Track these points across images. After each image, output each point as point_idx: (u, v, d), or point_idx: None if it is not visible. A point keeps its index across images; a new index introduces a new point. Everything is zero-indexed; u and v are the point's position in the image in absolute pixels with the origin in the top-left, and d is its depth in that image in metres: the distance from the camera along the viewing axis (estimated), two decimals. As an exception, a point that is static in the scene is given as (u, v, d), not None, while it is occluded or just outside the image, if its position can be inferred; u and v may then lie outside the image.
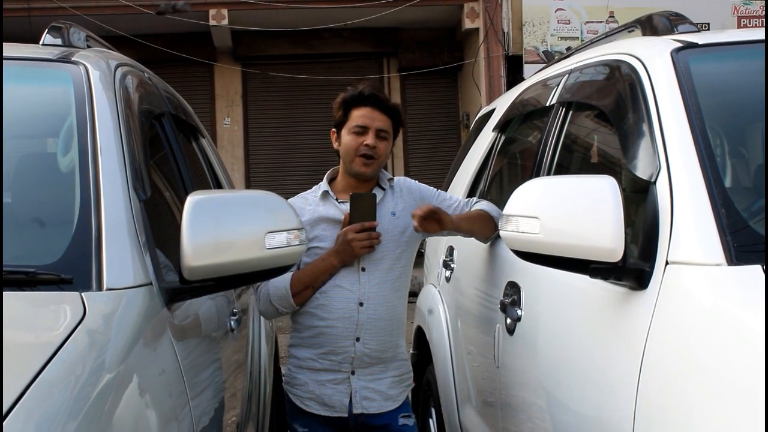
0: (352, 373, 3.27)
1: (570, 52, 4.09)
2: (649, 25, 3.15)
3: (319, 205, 3.33)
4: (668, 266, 2.14)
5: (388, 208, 3.35)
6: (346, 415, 3.26)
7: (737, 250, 2.03)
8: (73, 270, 1.94)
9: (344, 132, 3.32)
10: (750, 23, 14.68)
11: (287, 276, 3.12)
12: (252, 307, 3.93)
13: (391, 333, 3.34)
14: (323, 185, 3.40)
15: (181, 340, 2.20)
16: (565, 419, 2.53)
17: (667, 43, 2.73)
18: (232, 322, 3.16)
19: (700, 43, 2.74)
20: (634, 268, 2.20)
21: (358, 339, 3.23)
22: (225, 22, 14.23)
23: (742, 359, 1.78)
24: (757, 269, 1.95)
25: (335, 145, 3.41)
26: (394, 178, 3.53)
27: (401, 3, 14.19)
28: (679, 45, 2.69)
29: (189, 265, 2.08)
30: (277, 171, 15.70)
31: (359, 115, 3.28)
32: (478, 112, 5.88)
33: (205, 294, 2.34)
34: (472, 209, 3.48)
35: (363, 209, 3.17)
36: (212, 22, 14.19)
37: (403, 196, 3.43)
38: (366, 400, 3.27)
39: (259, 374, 3.95)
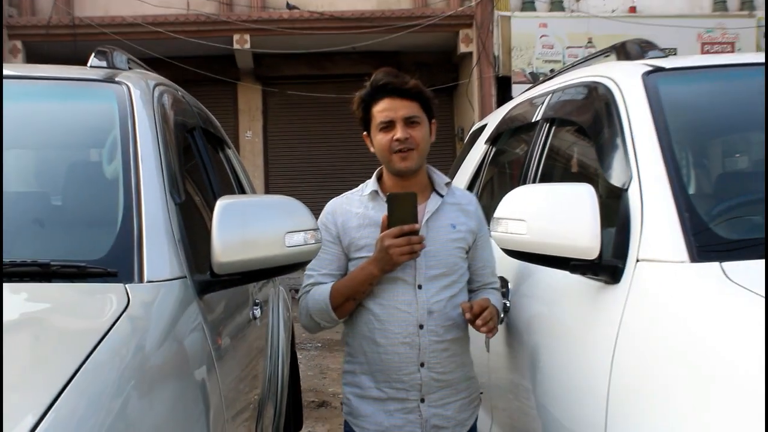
0: (422, 400, 2.63)
1: (553, 74, 4.10)
2: (622, 51, 3.15)
3: (368, 207, 2.68)
4: (638, 263, 2.15)
5: (447, 219, 2.69)
6: None
7: (698, 250, 2.05)
8: (118, 264, 1.95)
9: (373, 132, 2.67)
10: (712, 48, 14.67)
11: (326, 287, 2.63)
12: (272, 297, 3.94)
13: (456, 353, 2.69)
14: (372, 183, 2.73)
15: (211, 326, 2.20)
16: (548, 398, 2.53)
17: (639, 67, 2.73)
18: (255, 312, 3.14)
19: (667, 67, 2.73)
20: (608, 264, 2.21)
21: (422, 364, 2.61)
22: (247, 46, 14.26)
23: (703, 343, 1.80)
24: (715, 266, 1.95)
25: (371, 149, 2.73)
26: (459, 190, 2.90)
27: (403, 30, 14.22)
28: (649, 69, 2.69)
29: (218, 260, 2.09)
30: (294, 179, 15.68)
31: (380, 110, 2.62)
32: (472, 126, 5.87)
33: (232, 286, 2.32)
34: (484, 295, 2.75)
35: (402, 211, 2.50)
36: (236, 46, 14.21)
37: (461, 207, 2.76)
38: (435, 428, 2.66)
39: (277, 358, 3.94)
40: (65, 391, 1.27)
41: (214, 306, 2.31)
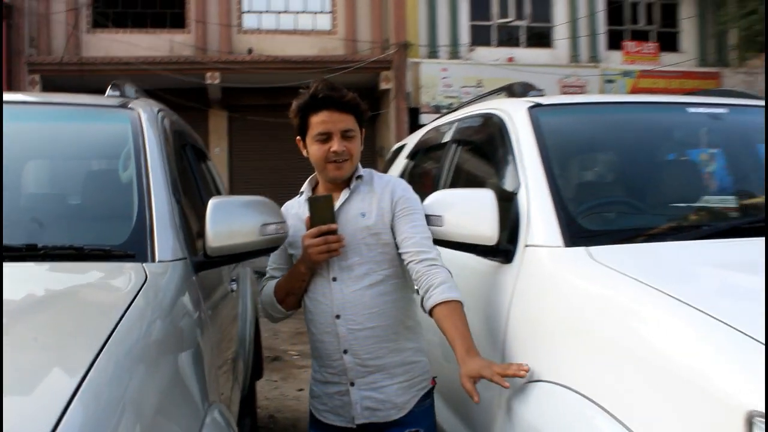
0: (352, 384, 2.21)
1: (458, 106, 4.08)
2: (510, 91, 3.16)
3: (303, 209, 2.29)
4: (527, 248, 2.18)
5: (356, 209, 2.24)
6: (353, 425, 2.24)
7: (570, 238, 2.09)
8: (135, 248, 1.94)
9: (309, 140, 2.25)
10: (569, 90, 14.99)
11: (273, 283, 2.35)
12: (242, 276, 3.89)
13: (385, 339, 2.20)
14: (306, 189, 2.37)
15: (204, 296, 2.19)
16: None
17: (524, 103, 2.74)
18: (231, 286, 3.12)
19: (544, 103, 2.77)
20: (504, 249, 2.24)
21: (345, 351, 2.19)
22: (217, 81, 14.15)
23: (572, 305, 1.86)
24: (583, 249, 1.99)
25: (304, 153, 2.32)
26: (373, 173, 2.36)
27: (338, 71, 14.22)
28: (532, 104, 2.71)
29: (210, 245, 2.07)
30: (253, 186, 15.44)
31: (318, 122, 2.20)
32: (394, 146, 5.90)
33: (221, 266, 2.30)
34: (440, 299, 2.07)
35: (321, 212, 2.16)
36: (208, 81, 14.11)
37: (377, 193, 2.27)
38: (368, 410, 2.21)
39: (246, 323, 3.91)
40: (106, 346, 1.27)
41: (205, 281, 2.29)
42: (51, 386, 1.13)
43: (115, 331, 1.32)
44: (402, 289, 2.25)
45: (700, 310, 1.46)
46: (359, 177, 2.29)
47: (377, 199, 2.24)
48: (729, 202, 2.70)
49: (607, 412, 1.51)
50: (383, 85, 14.91)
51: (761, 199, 2.86)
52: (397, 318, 2.22)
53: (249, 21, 15.49)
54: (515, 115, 2.65)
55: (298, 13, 15.71)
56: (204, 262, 2.15)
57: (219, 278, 2.77)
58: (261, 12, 15.58)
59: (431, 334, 2.30)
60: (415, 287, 2.17)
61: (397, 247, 2.22)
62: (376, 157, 16.15)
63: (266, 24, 15.50)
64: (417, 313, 2.29)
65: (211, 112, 15.50)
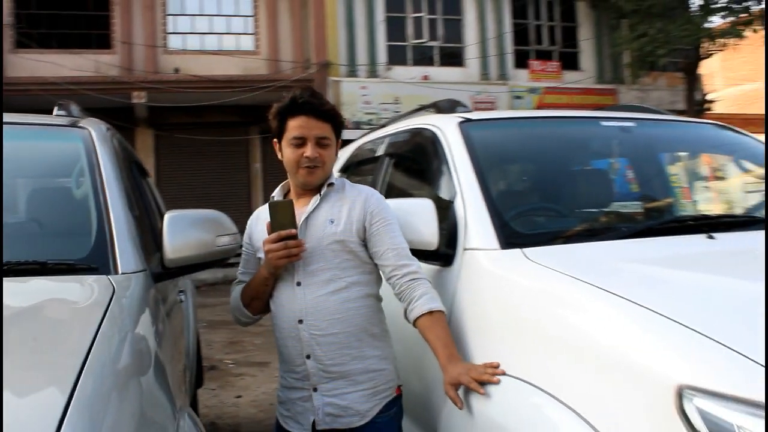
0: (314, 389, 2.11)
1: (387, 122, 4.08)
2: (439, 108, 3.21)
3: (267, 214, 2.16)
4: (465, 251, 2.23)
5: (324, 216, 2.15)
6: None
7: (505, 241, 2.15)
8: (98, 261, 1.91)
9: (284, 143, 2.16)
10: (481, 106, 15.25)
11: (240, 287, 2.28)
12: (187, 287, 3.87)
13: (348, 346, 2.10)
14: (277, 193, 2.29)
15: (162, 304, 2.18)
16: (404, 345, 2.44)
17: (455, 118, 2.79)
18: (180, 297, 3.09)
19: (473, 118, 2.82)
20: (445, 253, 2.29)
21: (308, 356, 2.10)
22: (144, 100, 13.83)
23: (513, 301, 1.94)
24: (518, 251, 2.07)
25: (279, 155, 2.22)
26: (345, 182, 2.30)
27: (261, 90, 14.16)
28: (462, 119, 2.77)
29: (168, 257, 2.06)
30: (179, 200, 15.17)
31: (295, 126, 2.12)
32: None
33: (178, 276, 2.28)
34: (424, 309, 2.05)
35: (281, 217, 2.05)
36: (135, 101, 13.76)
37: (348, 201, 2.19)
38: (330, 416, 2.11)
39: (190, 334, 3.87)
40: (91, 353, 1.27)
41: (163, 291, 2.27)
42: (42, 401, 1.13)
43: (95, 342, 1.32)
44: (367, 297, 2.16)
45: (625, 299, 1.57)
46: (330, 184, 2.22)
47: (348, 207, 2.17)
48: (637, 206, 2.86)
49: (554, 396, 1.59)
50: (306, 103, 14.93)
51: (663, 203, 3.07)
52: (360, 325, 2.12)
53: (174, 41, 15.22)
54: (447, 129, 2.69)
55: (221, 34, 15.55)
56: (161, 273, 2.13)
57: (171, 289, 2.75)
58: (185, 33, 15.35)
59: (395, 343, 2.30)
60: (398, 298, 2.14)
61: (370, 257, 2.17)
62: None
63: (191, 44, 15.27)
64: (384, 321, 2.24)
65: (137, 131, 15.09)
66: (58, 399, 1.09)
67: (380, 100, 15.18)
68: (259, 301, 2.22)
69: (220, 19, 15.56)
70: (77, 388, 1.14)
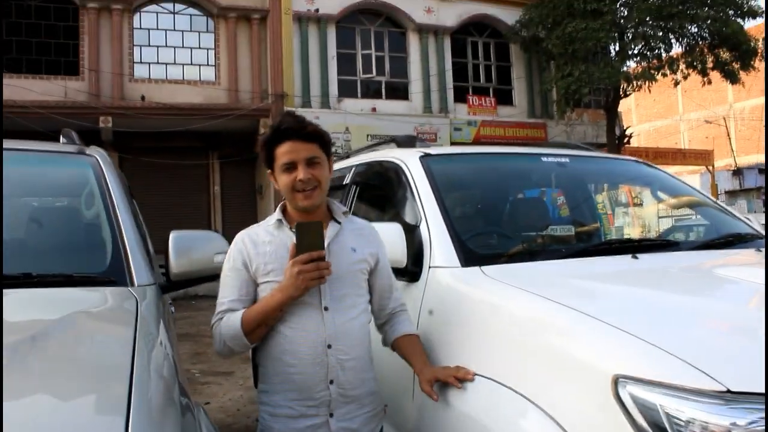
0: (331, 415, 1.97)
1: (350, 153, 4.16)
2: (399, 142, 3.34)
3: (275, 235, 2.05)
4: (431, 269, 2.33)
5: (347, 243, 2.07)
6: None
7: (465, 259, 2.28)
8: (116, 274, 1.97)
9: (277, 172, 2.03)
10: (423, 136, 15.41)
11: (238, 315, 1.98)
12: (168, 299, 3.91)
13: (362, 370, 2.03)
14: (277, 214, 2.10)
15: (167, 313, 2.27)
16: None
17: (417, 152, 2.90)
18: (172, 308, 3.15)
19: (432, 153, 2.94)
20: (412, 270, 2.39)
21: (332, 382, 1.96)
22: (110, 125, 13.66)
23: (473, 311, 2.08)
24: (477, 269, 2.20)
25: (276, 186, 2.09)
26: (357, 218, 2.22)
27: (222, 117, 14.19)
28: (423, 153, 2.88)
29: (173, 271, 2.16)
30: (144, 220, 15.05)
31: (283, 152, 1.99)
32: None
33: (182, 288, 2.32)
34: (403, 332, 2.17)
35: (309, 238, 1.89)
36: (101, 125, 13.57)
37: (364, 233, 2.15)
38: None
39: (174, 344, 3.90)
40: (136, 358, 1.34)
41: (167, 302, 2.37)
42: (104, 406, 1.15)
43: (135, 349, 1.38)
44: (369, 322, 2.12)
45: (569, 307, 1.76)
46: (346, 213, 2.16)
47: (366, 240, 2.13)
48: (570, 230, 3.09)
49: (512, 389, 1.74)
50: (263, 131, 14.86)
51: (592, 227, 3.32)
52: (368, 348, 2.09)
53: (140, 71, 15.11)
54: (410, 162, 2.81)
55: (184, 65, 15.51)
56: (168, 285, 2.23)
57: (166, 301, 2.84)
58: (151, 63, 15.26)
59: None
60: (382, 321, 2.21)
61: (372, 289, 2.16)
62: (256, 195, 16.12)
63: (156, 74, 15.17)
64: None
65: (102, 154, 14.91)
66: (120, 406, 1.13)
67: (332, 129, 15.24)
68: (264, 328, 1.99)
69: (184, 51, 15.51)
70: (132, 392, 1.18)
